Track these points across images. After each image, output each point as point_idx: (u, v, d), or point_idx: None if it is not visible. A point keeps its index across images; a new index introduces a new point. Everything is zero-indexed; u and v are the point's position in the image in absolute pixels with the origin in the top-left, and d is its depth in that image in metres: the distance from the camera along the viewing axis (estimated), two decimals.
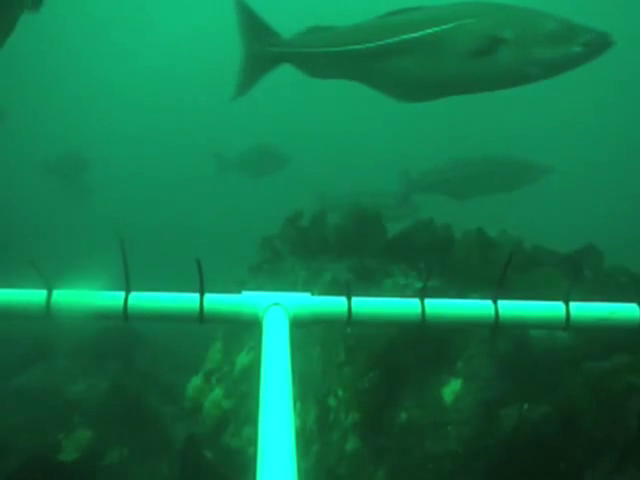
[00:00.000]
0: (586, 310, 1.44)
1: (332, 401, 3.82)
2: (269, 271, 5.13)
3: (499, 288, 1.42)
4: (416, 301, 1.42)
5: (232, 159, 11.78)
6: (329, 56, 4.42)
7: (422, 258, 4.51)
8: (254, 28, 4.60)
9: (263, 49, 4.58)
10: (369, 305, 1.43)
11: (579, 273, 3.91)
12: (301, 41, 4.58)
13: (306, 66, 4.56)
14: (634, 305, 1.45)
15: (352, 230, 5.06)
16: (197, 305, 1.39)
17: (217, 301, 1.41)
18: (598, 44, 3.79)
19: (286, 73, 4.69)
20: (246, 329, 4.33)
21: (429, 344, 3.61)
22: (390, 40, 4.15)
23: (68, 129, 16.69)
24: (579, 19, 3.95)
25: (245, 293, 1.43)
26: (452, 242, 4.54)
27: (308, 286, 4.52)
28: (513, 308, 1.44)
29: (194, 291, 1.40)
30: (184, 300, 1.41)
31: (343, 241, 5.03)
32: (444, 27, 3.96)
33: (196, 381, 5.03)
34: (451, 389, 3.50)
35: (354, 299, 1.42)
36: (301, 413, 3.93)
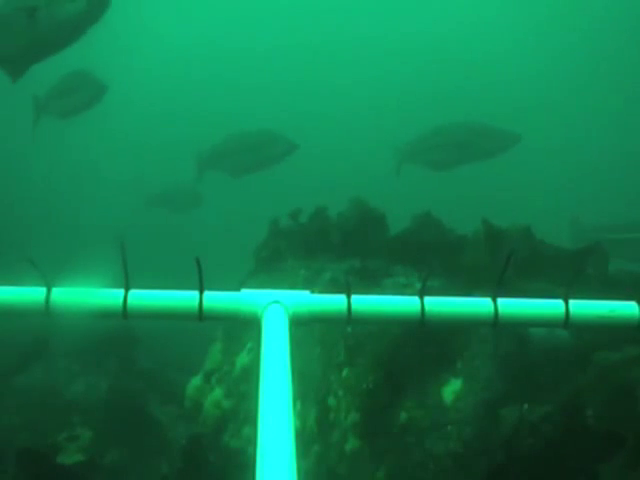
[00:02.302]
0: (586, 308, 1.43)
1: (332, 401, 3.82)
2: (269, 270, 5.13)
3: (499, 286, 1.42)
4: (416, 299, 1.42)
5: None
6: None
7: (428, 257, 4.47)
8: None
9: None
10: (369, 303, 1.43)
11: (579, 271, 3.89)
12: None
13: None
14: (634, 303, 1.45)
15: (355, 228, 5.02)
16: (197, 303, 1.39)
17: (216, 299, 1.40)
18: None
19: None
20: (246, 329, 4.32)
21: (429, 344, 3.61)
22: None
23: None
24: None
25: (244, 291, 1.42)
26: (461, 240, 4.51)
27: (308, 285, 4.52)
28: (513, 306, 1.43)
29: (194, 289, 1.40)
30: (184, 298, 1.40)
31: (346, 239, 4.98)
32: None
33: (196, 381, 5.02)
34: (451, 389, 3.50)
35: (354, 297, 1.41)
36: (301, 413, 3.93)
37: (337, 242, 4.99)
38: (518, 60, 20.53)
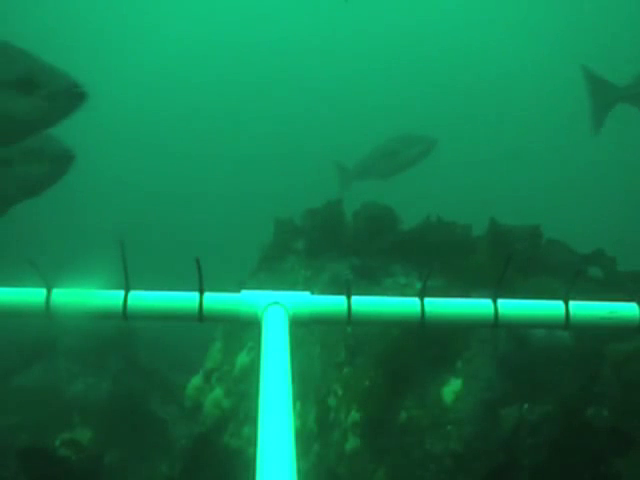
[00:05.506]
0: (586, 309, 1.43)
1: (332, 401, 3.82)
2: (272, 269, 5.13)
3: (499, 287, 1.42)
4: (416, 300, 1.42)
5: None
6: None
7: (430, 257, 4.45)
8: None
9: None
10: (369, 304, 1.42)
11: (580, 273, 3.87)
12: None
13: None
14: (634, 304, 1.45)
15: (367, 227, 5.00)
16: (197, 304, 1.38)
17: (216, 300, 1.40)
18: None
19: None
20: (246, 329, 4.32)
21: (429, 344, 3.61)
22: None
23: None
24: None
25: (245, 292, 1.42)
26: (468, 241, 4.50)
27: (311, 284, 4.52)
28: (513, 307, 1.43)
29: (194, 290, 1.40)
30: (184, 299, 1.40)
31: (357, 238, 4.97)
32: None
33: (196, 381, 5.03)
34: (451, 389, 3.50)
35: (354, 298, 1.41)
36: (301, 413, 3.93)
37: (347, 244, 4.96)
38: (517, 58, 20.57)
